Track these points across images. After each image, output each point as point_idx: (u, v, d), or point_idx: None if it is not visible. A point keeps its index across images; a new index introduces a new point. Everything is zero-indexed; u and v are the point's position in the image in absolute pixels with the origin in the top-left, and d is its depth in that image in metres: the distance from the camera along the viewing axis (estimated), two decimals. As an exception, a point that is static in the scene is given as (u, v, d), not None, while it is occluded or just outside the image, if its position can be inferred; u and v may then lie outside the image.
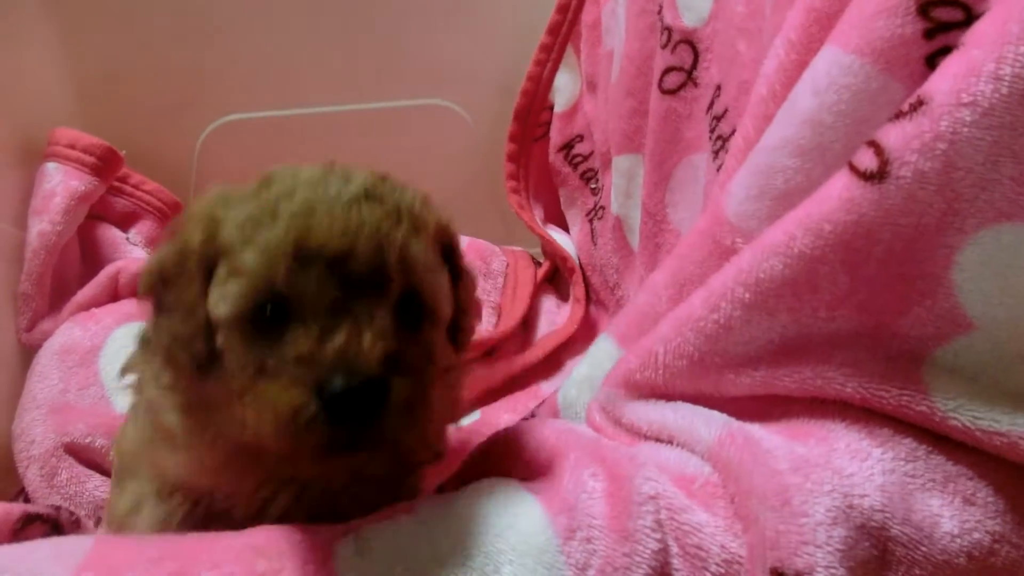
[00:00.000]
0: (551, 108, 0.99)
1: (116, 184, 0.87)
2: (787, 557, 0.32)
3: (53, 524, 0.45)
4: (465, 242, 0.96)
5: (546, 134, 1.00)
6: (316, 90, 1.03)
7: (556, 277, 0.98)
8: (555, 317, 0.92)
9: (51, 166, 0.79)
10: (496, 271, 0.93)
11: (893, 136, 0.35)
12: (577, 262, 0.94)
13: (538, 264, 0.98)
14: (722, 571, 0.33)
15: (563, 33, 0.95)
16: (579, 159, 0.97)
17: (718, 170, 0.62)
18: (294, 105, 1.03)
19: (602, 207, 0.91)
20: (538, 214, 1.00)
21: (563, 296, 0.95)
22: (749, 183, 0.42)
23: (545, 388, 0.82)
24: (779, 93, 0.46)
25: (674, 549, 0.33)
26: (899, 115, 0.35)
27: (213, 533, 0.35)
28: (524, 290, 0.91)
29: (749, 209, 0.42)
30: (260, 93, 1.01)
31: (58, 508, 0.46)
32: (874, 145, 0.35)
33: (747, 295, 0.38)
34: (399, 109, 1.05)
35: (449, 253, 0.43)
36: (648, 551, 0.33)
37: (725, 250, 0.42)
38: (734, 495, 0.35)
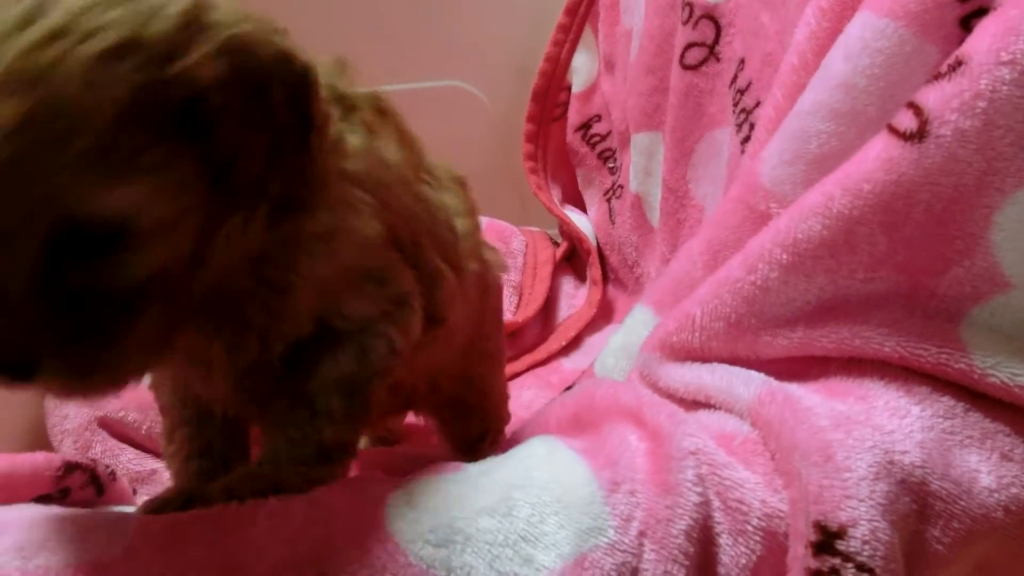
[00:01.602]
0: (569, 88, 0.99)
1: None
2: (830, 511, 0.32)
3: (91, 474, 0.45)
4: (484, 222, 0.97)
5: (564, 114, 1.00)
6: (333, 73, 1.03)
7: (574, 257, 0.98)
8: (573, 299, 0.92)
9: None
10: (516, 251, 0.93)
11: (932, 97, 0.35)
12: (594, 242, 0.95)
13: (556, 244, 0.99)
14: (764, 525, 0.34)
15: (581, 13, 0.95)
16: (597, 139, 0.97)
17: (743, 142, 0.63)
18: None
19: (620, 186, 0.92)
20: (556, 194, 1.00)
21: (580, 277, 0.96)
22: (783, 148, 0.43)
23: (566, 364, 0.83)
24: (811, 62, 0.46)
25: (715, 503, 0.34)
26: (938, 76, 0.36)
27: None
28: (544, 271, 0.91)
29: (783, 174, 0.42)
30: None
31: (95, 460, 0.47)
32: (913, 106, 0.36)
33: (785, 256, 0.38)
34: (417, 91, 1.05)
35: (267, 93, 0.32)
36: (690, 504, 0.33)
37: (760, 215, 0.43)
38: (774, 452, 0.36)
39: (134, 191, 0.29)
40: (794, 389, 0.37)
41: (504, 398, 0.61)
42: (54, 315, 0.29)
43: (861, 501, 0.32)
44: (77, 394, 0.32)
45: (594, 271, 0.91)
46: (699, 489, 0.34)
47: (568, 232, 0.97)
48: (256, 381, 0.38)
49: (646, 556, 0.33)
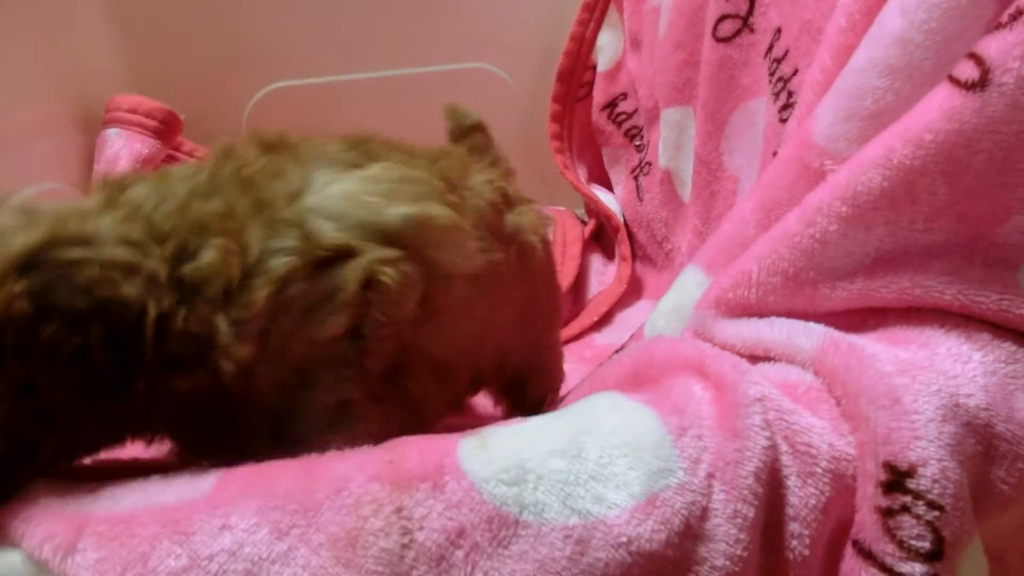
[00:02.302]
0: (594, 68, 0.99)
1: (170, 152, 0.89)
2: (900, 451, 0.33)
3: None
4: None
5: (588, 94, 1.00)
6: (361, 56, 1.04)
7: (601, 235, 0.99)
8: (602, 276, 0.93)
9: (112, 132, 0.81)
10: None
11: (993, 46, 0.36)
12: (622, 219, 0.95)
13: (583, 223, 0.99)
14: (832, 467, 0.34)
15: (606, -8, 0.95)
16: (623, 117, 0.97)
17: (780, 110, 0.63)
18: (339, 71, 1.04)
19: (648, 163, 0.92)
20: (582, 173, 1.01)
21: (608, 255, 0.96)
22: (837, 106, 0.43)
23: (598, 339, 0.84)
24: (859, 22, 0.46)
25: (783, 447, 0.35)
26: (998, 26, 0.36)
27: None
28: (573, 249, 0.92)
29: (838, 131, 0.42)
30: (306, 60, 1.02)
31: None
32: (974, 57, 0.36)
33: (844, 209, 0.38)
34: (442, 73, 1.06)
35: None
36: (758, 447, 0.34)
37: (814, 172, 0.43)
38: (840, 398, 0.36)
39: None
40: (856, 339, 0.38)
41: (561, 356, 0.62)
42: None
43: (930, 442, 0.33)
44: None
45: (623, 248, 0.91)
46: (767, 434, 0.34)
47: (595, 210, 0.97)
48: None
49: (715, 496, 0.33)
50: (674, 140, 0.84)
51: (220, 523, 0.31)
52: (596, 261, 0.94)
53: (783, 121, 0.63)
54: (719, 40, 0.73)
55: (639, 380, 0.41)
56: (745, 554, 0.33)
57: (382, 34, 1.04)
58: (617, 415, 0.36)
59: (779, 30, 0.65)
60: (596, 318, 0.84)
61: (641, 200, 0.93)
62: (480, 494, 0.33)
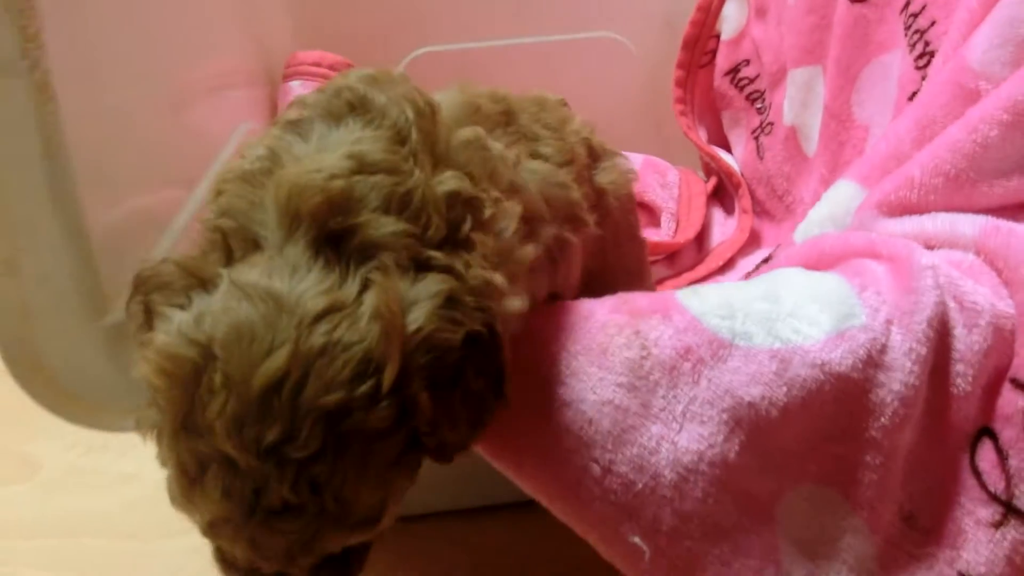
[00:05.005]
0: (717, 36, 1.06)
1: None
2: (1056, 304, 0.40)
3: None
4: (639, 160, 1.06)
5: (711, 62, 1.07)
6: (497, 25, 1.13)
7: (720, 192, 1.05)
8: (724, 227, 1.00)
9: (295, 84, 0.92)
10: (671, 183, 1.01)
11: None
12: (741, 177, 1.02)
13: (704, 180, 1.06)
14: (993, 322, 0.41)
15: (734, -37, 1.02)
16: (745, 81, 1.04)
17: (916, 59, 0.69)
18: (476, 39, 1.14)
19: (770, 123, 0.98)
20: (702, 136, 1.08)
21: (727, 209, 1.03)
22: (991, 35, 0.49)
23: (722, 281, 0.91)
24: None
25: (951, 304, 0.41)
26: None
27: None
28: (698, 201, 0.99)
29: (992, 56, 0.49)
30: (447, 27, 1.12)
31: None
32: None
33: (1005, 116, 0.45)
34: (571, 42, 1.15)
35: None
36: (930, 301, 0.41)
37: (969, 92, 0.49)
38: (1001, 270, 0.43)
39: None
40: (1014, 224, 0.44)
41: None
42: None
43: (1085, 297, 0.39)
44: None
45: (743, 201, 0.98)
46: (937, 292, 0.41)
47: (716, 169, 1.04)
48: None
49: (893, 337, 0.40)
50: (801, 98, 0.90)
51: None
52: (717, 215, 1.01)
53: (919, 68, 0.68)
54: (854, 1, 0.79)
55: (818, 265, 0.48)
56: (917, 383, 0.40)
57: (515, 4, 1.13)
58: (806, 277, 0.44)
59: (916, -13, 0.71)
60: (721, 263, 0.91)
61: (762, 158, 0.99)
62: (700, 323, 0.41)
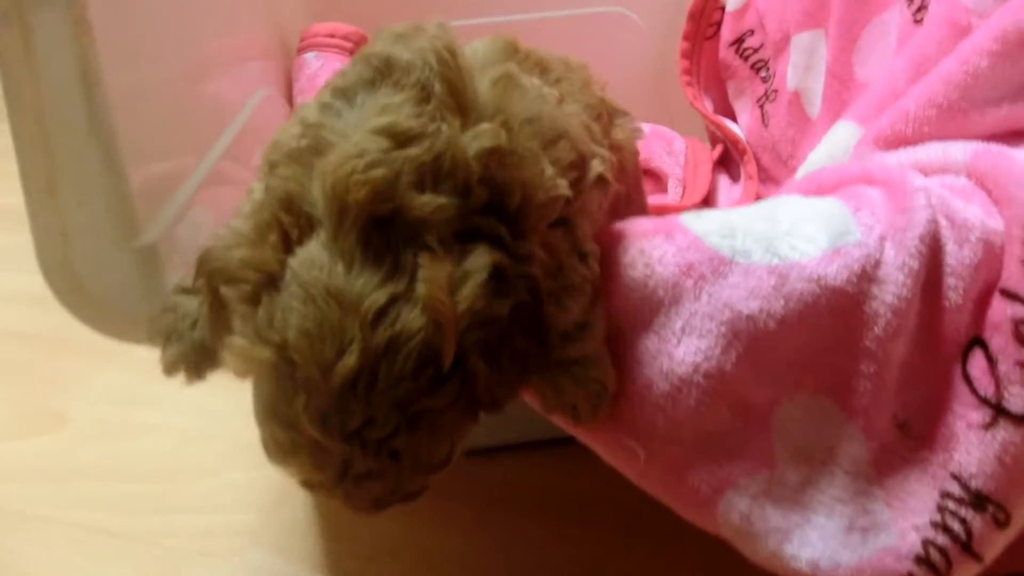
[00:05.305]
0: (722, 8, 1.08)
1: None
2: (1043, 216, 0.41)
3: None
4: (647, 128, 1.08)
5: (716, 33, 1.09)
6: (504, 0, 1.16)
7: (725, 160, 1.07)
8: (730, 193, 1.02)
9: (310, 55, 0.95)
10: (678, 150, 1.03)
11: None
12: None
13: (711, 148, 1.08)
14: (983, 238, 0.43)
15: (738, -66, 1.04)
16: (749, 51, 1.06)
17: (915, 12, 0.70)
18: (491, 13, 1.16)
19: (774, 90, 1.00)
20: (708, 106, 1.09)
21: (733, 176, 1.05)
22: (984, -27, 0.51)
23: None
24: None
25: (943, 221, 0.43)
26: None
27: None
28: (704, 167, 1.01)
29: (985, -8, 0.51)
30: (462, 1, 1.14)
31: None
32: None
33: (995, 46, 0.47)
34: (579, 17, 1.17)
35: None
36: (923, 219, 0.42)
37: (962, 29, 0.51)
38: (991, 189, 0.44)
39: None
40: (1004, 148, 0.46)
41: None
42: None
43: (1070, 208, 0.41)
44: None
45: (749, 167, 1.00)
46: (929, 211, 0.43)
47: (722, 137, 1.06)
48: None
49: (887, 252, 0.42)
50: (804, 63, 0.91)
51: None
52: (723, 181, 1.03)
53: (917, 23, 0.70)
54: (855, -38, 0.80)
55: (813, 193, 0.50)
56: (909, 295, 0.42)
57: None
58: (804, 200, 0.46)
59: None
60: (726, 225, 0.93)
61: (766, 125, 1.01)
62: (702, 241, 0.43)
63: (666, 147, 1.03)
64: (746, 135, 1.06)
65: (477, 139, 0.36)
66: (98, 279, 0.41)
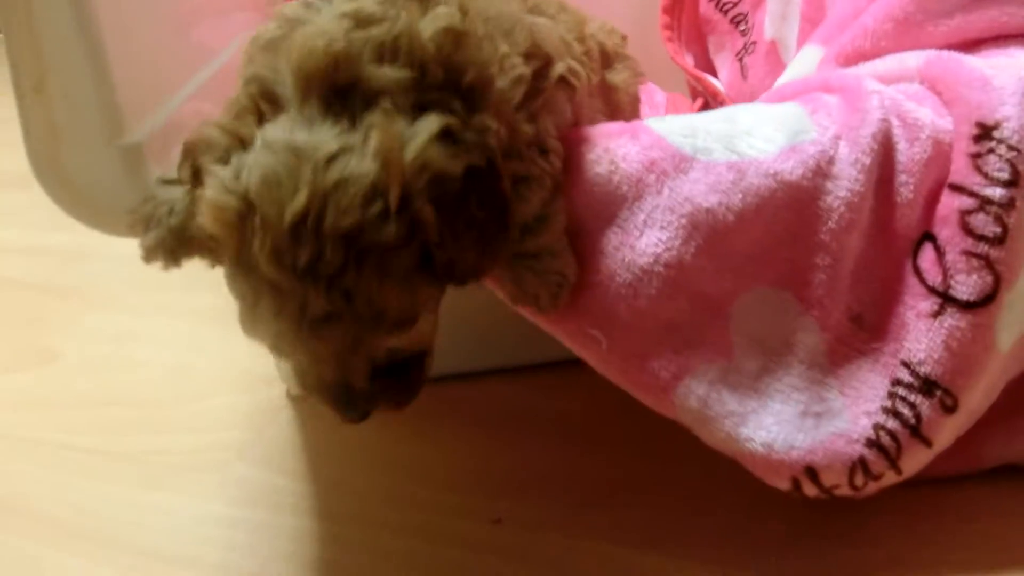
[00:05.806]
0: (703, -36, 1.10)
1: None
2: (988, 113, 0.43)
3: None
4: (628, 82, 1.10)
5: (696, -11, 1.11)
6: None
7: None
8: (709, 144, 1.04)
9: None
10: (659, 103, 1.05)
11: None
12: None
13: (692, 102, 1.10)
14: (933, 136, 0.45)
15: None
16: (728, 5, 1.07)
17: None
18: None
19: (753, 42, 1.02)
20: (689, 61, 1.11)
21: (714, 129, 1.07)
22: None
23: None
24: None
25: (895, 121, 0.45)
26: None
27: None
28: (683, 118, 1.03)
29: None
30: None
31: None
32: None
33: (948, -42, 0.49)
34: (562, -27, 1.18)
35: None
36: (875, 119, 0.44)
37: (920, -52, 0.53)
38: (941, 92, 0.46)
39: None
40: (956, 54, 0.48)
41: None
42: (379, 386, 0.41)
43: (1013, 105, 0.43)
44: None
45: (728, 118, 1.02)
46: (882, 111, 0.45)
47: (702, 91, 1.07)
48: None
49: (841, 150, 0.44)
50: (780, 11, 0.93)
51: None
52: (702, 132, 1.05)
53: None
54: (829, -92, 0.82)
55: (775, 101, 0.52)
56: (862, 190, 0.44)
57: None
58: (764, 105, 0.48)
59: None
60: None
61: (746, 78, 1.02)
62: (665, 140, 0.45)
63: (648, 100, 1.04)
64: (726, 89, 1.08)
65: (433, 21, 0.39)
66: (85, 174, 0.42)
